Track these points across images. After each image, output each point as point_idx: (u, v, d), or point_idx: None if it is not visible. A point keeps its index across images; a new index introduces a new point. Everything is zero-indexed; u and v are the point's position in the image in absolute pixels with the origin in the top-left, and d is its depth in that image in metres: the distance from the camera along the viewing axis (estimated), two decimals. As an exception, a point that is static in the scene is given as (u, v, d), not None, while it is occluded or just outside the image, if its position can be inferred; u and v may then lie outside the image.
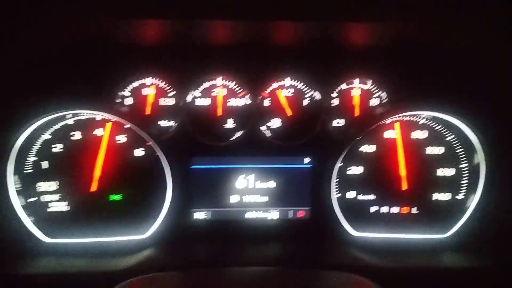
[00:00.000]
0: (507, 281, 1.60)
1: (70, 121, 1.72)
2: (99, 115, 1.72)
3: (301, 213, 1.86)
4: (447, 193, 1.84)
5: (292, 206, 1.85)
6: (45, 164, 1.73)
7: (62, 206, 1.77)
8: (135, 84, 1.73)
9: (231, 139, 1.78)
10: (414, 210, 1.87)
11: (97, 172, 1.73)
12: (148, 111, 1.73)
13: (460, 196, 1.83)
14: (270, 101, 1.77)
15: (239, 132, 1.78)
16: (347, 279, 1.47)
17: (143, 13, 1.30)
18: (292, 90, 1.77)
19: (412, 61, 1.72)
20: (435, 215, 1.85)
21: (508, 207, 1.67)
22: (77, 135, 1.73)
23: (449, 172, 1.82)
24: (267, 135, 1.79)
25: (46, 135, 1.71)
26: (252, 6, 1.28)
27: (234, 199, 1.83)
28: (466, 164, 1.81)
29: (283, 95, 1.77)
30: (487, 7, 1.23)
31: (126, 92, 1.73)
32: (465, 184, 1.82)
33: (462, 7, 1.24)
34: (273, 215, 1.85)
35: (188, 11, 1.30)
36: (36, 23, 1.31)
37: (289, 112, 1.77)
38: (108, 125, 1.72)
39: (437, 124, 1.79)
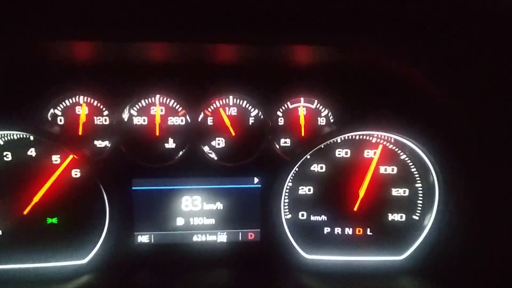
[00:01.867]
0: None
1: (1, 141, 1.62)
2: (31, 135, 1.62)
3: (251, 235, 1.78)
4: (402, 214, 1.78)
5: (241, 228, 1.78)
6: (-26, 186, 1.63)
7: (-5, 230, 1.67)
8: (67, 103, 1.63)
9: (173, 159, 1.69)
10: (368, 231, 1.81)
11: (38, 197, 1.64)
12: (80, 131, 1.63)
13: (415, 216, 1.78)
14: (212, 120, 1.69)
15: (180, 152, 1.70)
16: None
17: (76, 36, 1.23)
18: (235, 109, 1.69)
19: (358, 80, 1.66)
20: (391, 236, 1.80)
21: (464, 227, 1.61)
22: (8, 156, 1.63)
23: (403, 192, 1.75)
24: (211, 156, 1.71)
25: (-25, 156, 1.61)
26: (191, 29, 1.21)
27: (179, 221, 1.75)
28: (420, 184, 1.75)
29: (227, 114, 1.68)
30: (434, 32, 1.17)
31: (57, 111, 1.63)
32: (420, 204, 1.77)
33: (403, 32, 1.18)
34: (222, 237, 1.77)
35: (124, 34, 1.24)
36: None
37: (232, 132, 1.69)
38: (45, 147, 1.63)
39: (389, 143, 1.72)
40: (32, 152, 1.64)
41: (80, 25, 1.19)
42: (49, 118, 1.63)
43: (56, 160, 1.66)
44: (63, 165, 1.64)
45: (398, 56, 1.28)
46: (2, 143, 1.63)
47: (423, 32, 1.19)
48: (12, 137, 1.63)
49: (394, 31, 1.19)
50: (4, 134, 1.61)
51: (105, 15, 1.16)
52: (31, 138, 1.64)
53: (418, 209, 1.78)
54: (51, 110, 1.63)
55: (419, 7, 1.09)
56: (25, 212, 1.66)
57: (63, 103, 1.63)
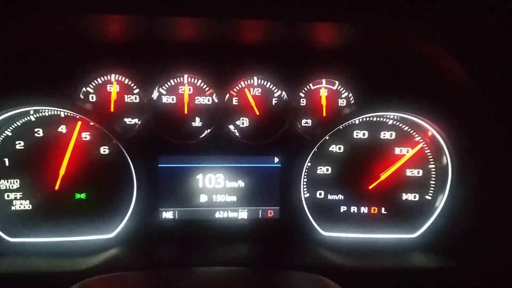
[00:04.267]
0: (473, 281, 1.61)
1: (32, 118, 1.68)
2: (62, 112, 1.67)
3: (270, 212, 1.85)
4: (415, 194, 1.85)
5: (261, 206, 1.84)
6: (6, 162, 1.68)
7: (25, 205, 1.73)
8: (99, 80, 1.68)
9: (199, 138, 1.75)
10: (383, 210, 1.87)
11: (62, 170, 1.69)
12: (112, 108, 1.69)
13: (428, 197, 1.84)
14: (237, 100, 1.75)
15: (207, 130, 1.75)
16: (313, 281, 1.46)
17: (108, 9, 1.27)
18: (260, 89, 1.75)
19: (378, 62, 1.72)
20: (404, 215, 1.86)
21: (475, 208, 1.68)
22: (39, 132, 1.69)
23: (417, 172, 1.82)
24: (235, 134, 1.77)
25: (7, 132, 1.66)
26: (221, 4, 1.26)
27: (202, 198, 1.81)
28: (434, 165, 1.81)
29: (251, 94, 1.74)
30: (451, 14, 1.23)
31: (90, 89, 1.69)
32: (433, 185, 1.83)
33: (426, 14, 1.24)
34: (243, 214, 1.84)
35: (154, 8, 1.28)
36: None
37: (257, 112, 1.75)
38: (75, 123, 1.69)
39: (405, 125, 1.78)
40: (62, 128, 1.70)
41: None
42: (81, 96, 1.68)
43: (85, 137, 1.72)
44: (75, 133, 1.67)
45: (421, 31, 1.33)
46: (34, 119, 1.68)
47: (448, 7, 1.23)
48: (44, 114, 1.68)
49: (418, 7, 1.24)
50: (36, 111, 1.66)
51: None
52: (62, 115, 1.69)
53: (431, 190, 1.84)
54: (84, 88, 1.68)
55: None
56: (57, 187, 1.70)
57: (95, 81, 1.68)
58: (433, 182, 1.83)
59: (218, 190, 1.80)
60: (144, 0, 1.25)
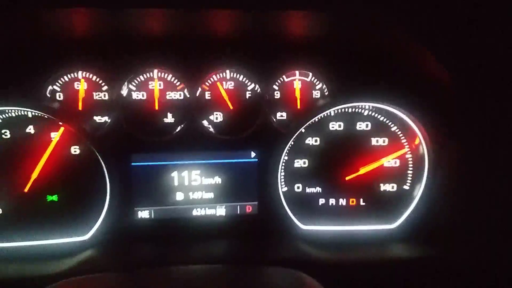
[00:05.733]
0: (452, 270, 1.62)
1: (-2, 119, 1.63)
2: (29, 112, 1.63)
3: (249, 208, 1.83)
4: (393, 184, 1.85)
5: (239, 202, 1.82)
6: (-28, 165, 1.63)
7: (-6, 209, 1.67)
8: (66, 78, 1.64)
9: (172, 134, 1.72)
10: (361, 202, 1.87)
11: (35, 173, 1.65)
12: (80, 106, 1.65)
13: (406, 186, 1.85)
14: (210, 95, 1.72)
15: (179, 126, 1.72)
16: (290, 276, 1.45)
17: (71, 2, 1.22)
18: (232, 83, 1.72)
19: (352, 53, 1.71)
20: (383, 206, 1.87)
21: (452, 197, 1.68)
22: (6, 134, 1.64)
23: (394, 163, 1.82)
24: (209, 129, 1.74)
25: (-28, 134, 1.61)
26: None
27: (179, 196, 1.78)
28: (410, 155, 1.81)
29: (224, 88, 1.72)
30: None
31: (56, 87, 1.64)
32: (411, 174, 1.83)
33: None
34: (221, 211, 1.81)
35: (119, 0, 1.24)
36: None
37: (230, 106, 1.72)
38: (44, 123, 1.64)
39: (380, 115, 1.78)
40: (30, 129, 1.65)
41: None
42: (48, 95, 1.64)
43: (54, 137, 1.67)
44: (56, 139, 1.65)
45: (393, 23, 1.32)
46: (0, 121, 1.63)
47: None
48: (10, 115, 1.63)
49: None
50: (2, 111, 1.61)
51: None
52: (29, 115, 1.64)
53: (409, 179, 1.85)
54: (50, 86, 1.63)
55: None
56: (26, 190, 1.66)
57: (62, 78, 1.64)
58: (411, 172, 1.84)
59: (195, 187, 1.78)
60: None
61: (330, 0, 1.21)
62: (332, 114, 1.77)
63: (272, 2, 1.23)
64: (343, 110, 1.76)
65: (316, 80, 1.75)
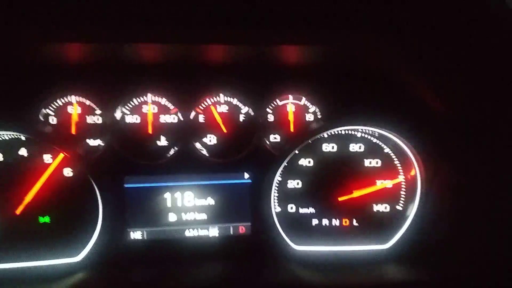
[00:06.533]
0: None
1: (-9, 142, 1.62)
2: (22, 135, 1.62)
3: (242, 229, 1.83)
4: (386, 204, 1.86)
5: (232, 222, 1.82)
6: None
7: (-14, 231, 1.67)
8: (59, 102, 1.64)
9: (165, 157, 1.72)
10: (354, 222, 1.87)
11: (29, 197, 1.64)
12: (73, 130, 1.64)
13: (399, 207, 1.86)
14: (204, 118, 1.73)
15: (173, 149, 1.73)
16: None
17: (66, 38, 1.24)
18: (226, 106, 1.73)
19: (344, 77, 1.72)
20: (376, 226, 1.87)
21: (444, 217, 1.69)
22: (-1, 157, 1.63)
23: (387, 183, 1.83)
24: (203, 152, 1.74)
25: (-35, 156, 1.60)
26: (181, 30, 1.24)
27: (172, 217, 1.78)
28: (403, 176, 1.83)
29: (218, 111, 1.72)
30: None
31: (50, 111, 1.64)
32: (404, 195, 1.84)
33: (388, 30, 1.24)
34: (214, 232, 1.81)
35: (114, 35, 1.25)
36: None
37: (224, 129, 1.73)
38: (37, 146, 1.64)
39: (373, 137, 1.79)
40: (23, 152, 1.65)
41: (71, 27, 1.20)
42: (41, 118, 1.63)
43: (48, 160, 1.67)
44: (54, 164, 1.65)
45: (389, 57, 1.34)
46: (-7, 143, 1.62)
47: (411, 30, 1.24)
48: (3, 138, 1.63)
49: (383, 28, 1.25)
50: (-5, 134, 1.60)
51: (96, 16, 1.17)
52: (23, 138, 1.64)
53: (402, 200, 1.86)
54: (43, 110, 1.63)
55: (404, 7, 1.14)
56: (18, 212, 1.65)
57: (55, 102, 1.64)
58: (404, 193, 1.85)
59: (188, 208, 1.78)
60: (102, 28, 1.21)
61: (324, 35, 1.22)
62: (326, 136, 1.78)
63: (266, 38, 1.23)
64: (336, 132, 1.77)
65: (309, 103, 1.76)
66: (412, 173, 1.79)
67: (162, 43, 1.29)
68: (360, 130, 1.78)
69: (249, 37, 1.27)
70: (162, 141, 1.72)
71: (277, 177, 1.77)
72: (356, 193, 1.81)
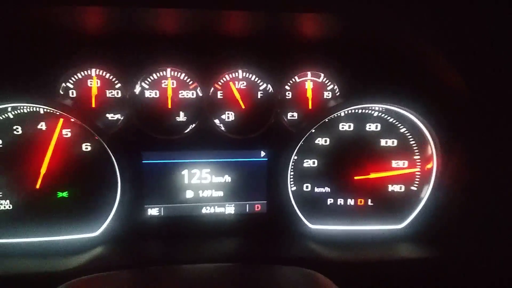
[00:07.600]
0: (457, 270, 1.64)
1: (11, 115, 1.63)
2: (42, 109, 1.63)
3: (258, 207, 1.84)
4: (401, 185, 1.86)
5: (248, 200, 1.83)
6: (-16, 161, 1.63)
7: (5, 205, 1.68)
8: (79, 75, 1.64)
9: (183, 133, 1.72)
10: (369, 202, 1.88)
11: (44, 169, 1.64)
12: (93, 104, 1.65)
13: (414, 187, 1.86)
14: (222, 94, 1.73)
15: (191, 125, 1.73)
16: (301, 274, 1.46)
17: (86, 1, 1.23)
18: (245, 82, 1.73)
19: (363, 54, 1.71)
20: (390, 206, 1.88)
21: (459, 198, 1.70)
22: (18, 130, 1.64)
23: (403, 164, 1.83)
24: (221, 128, 1.75)
25: (-16, 130, 1.61)
26: None
27: (189, 194, 1.79)
28: (419, 156, 1.83)
29: (236, 87, 1.72)
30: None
31: (69, 84, 1.64)
32: (419, 176, 1.85)
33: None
34: (230, 209, 1.83)
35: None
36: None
37: (242, 105, 1.73)
38: (56, 120, 1.64)
39: (390, 117, 1.79)
40: (42, 125, 1.65)
41: None
42: (61, 92, 1.63)
43: (66, 134, 1.68)
44: (71, 137, 1.64)
45: (409, 26, 1.33)
46: (12, 116, 1.63)
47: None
48: (22, 111, 1.63)
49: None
50: (14, 108, 1.61)
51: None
52: (41, 111, 1.64)
53: (417, 180, 1.86)
54: (63, 83, 1.63)
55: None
56: (38, 186, 1.66)
57: (75, 76, 1.64)
58: (419, 173, 1.85)
59: (204, 185, 1.78)
60: None
61: (344, 3, 1.21)
62: (342, 114, 1.78)
63: (284, 4, 1.23)
64: (353, 111, 1.77)
65: (327, 81, 1.76)
66: (429, 153, 1.80)
67: (177, 7, 1.26)
68: (377, 109, 1.78)
69: (266, 1, 1.26)
70: (181, 117, 1.72)
71: (293, 156, 1.77)
72: (373, 175, 1.81)
